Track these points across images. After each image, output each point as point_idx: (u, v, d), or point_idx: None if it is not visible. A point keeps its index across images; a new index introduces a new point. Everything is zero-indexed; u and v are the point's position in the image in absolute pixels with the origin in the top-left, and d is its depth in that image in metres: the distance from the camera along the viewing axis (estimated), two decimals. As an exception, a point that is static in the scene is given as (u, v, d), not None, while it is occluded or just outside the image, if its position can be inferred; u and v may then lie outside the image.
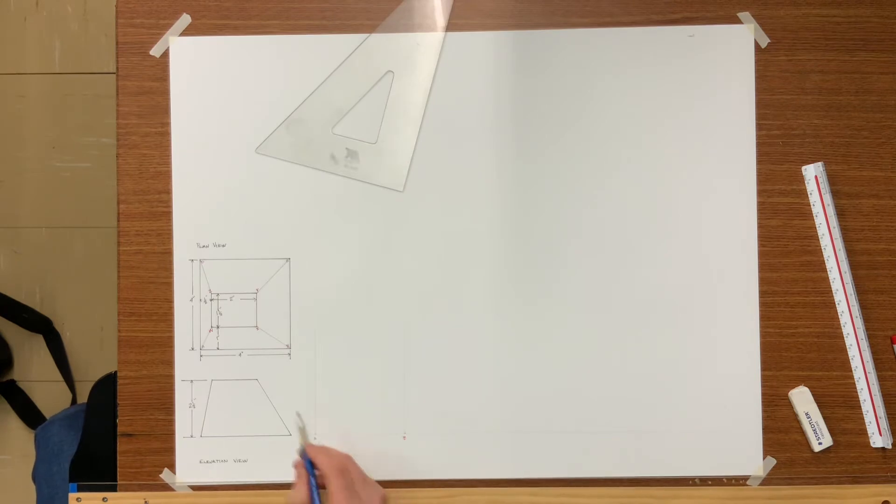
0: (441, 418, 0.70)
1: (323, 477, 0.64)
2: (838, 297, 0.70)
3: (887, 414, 0.70)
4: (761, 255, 0.70)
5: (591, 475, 0.70)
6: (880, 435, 0.69)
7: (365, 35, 0.71)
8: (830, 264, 0.70)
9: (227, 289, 0.71)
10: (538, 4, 0.71)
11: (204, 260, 0.71)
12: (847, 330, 0.70)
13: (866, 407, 0.69)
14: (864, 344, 0.69)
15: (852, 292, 0.69)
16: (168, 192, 0.71)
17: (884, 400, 0.70)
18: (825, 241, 0.70)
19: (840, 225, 0.70)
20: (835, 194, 0.70)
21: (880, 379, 0.70)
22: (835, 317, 0.70)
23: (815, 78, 0.70)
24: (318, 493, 0.64)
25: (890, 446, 0.70)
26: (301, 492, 0.64)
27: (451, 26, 0.71)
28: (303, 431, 0.69)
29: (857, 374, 0.69)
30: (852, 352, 0.70)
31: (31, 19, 1.25)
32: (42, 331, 1.24)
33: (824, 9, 0.70)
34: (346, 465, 0.65)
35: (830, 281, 0.70)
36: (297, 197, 0.71)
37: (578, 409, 0.70)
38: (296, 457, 0.67)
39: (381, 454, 0.70)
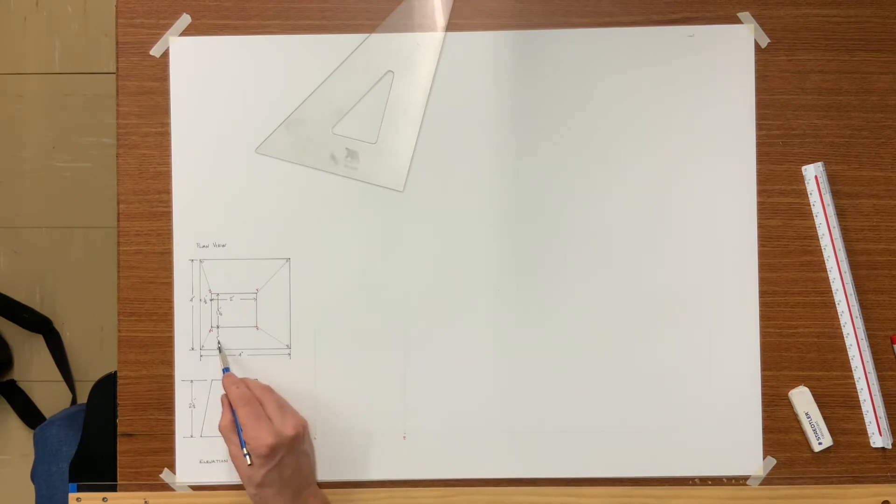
0: (441, 418, 0.70)
1: (233, 407, 0.65)
2: (838, 296, 0.70)
3: (887, 414, 0.70)
4: (761, 255, 0.70)
5: (591, 475, 0.70)
6: (880, 435, 0.69)
7: (365, 35, 0.71)
8: (830, 264, 0.70)
9: (227, 289, 0.71)
10: (538, 4, 0.71)
11: (204, 260, 0.71)
12: (847, 330, 0.70)
13: (866, 407, 0.69)
14: (864, 344, 0.69)
15: (852, 292, 0.69)
16: (168, 192, 0.71)
17: (884, 400, 0.70)
18: (825, 241, 0.70)
19: (840, 225, 0.70)
20: (835, 194, 0.70)
21: (880, 379, 0.70)
22: (835, 317, 0.70)
23: (815, 78, 0.70)
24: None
25: (890, 446, 0.70)
26: (225, 417, 0.66)
27: (451, 26, 0.71)
28: (223, 358, 0.69)
29: (857, 373, 0.69)
30: (852, 352, 0.70)
31: (31, 19, 1.25)
32: (42, 331, 1.24)
33: (824, 9, 0.70)
34: (260, 395, 0.66)
35: (830, 281, 0.70)
36: (297, 197, 0.71)
37: (578, 409, 0.70)
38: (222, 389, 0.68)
39: (381, 454, 0.70)
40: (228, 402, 0.66)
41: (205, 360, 0.71)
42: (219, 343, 0.70)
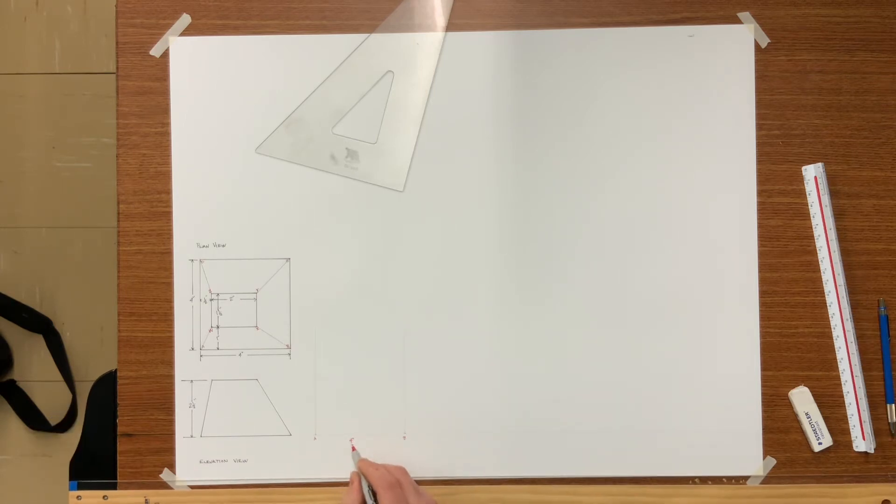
0: (441, 418, 0.70)
1: (375, 491, 0.64)
2: (830, 298, 0.69)
3: (871, 417, 0.69)
4: (761, 255, 0.70)
5: (592, 474, 0.70)
6: (864, 439, 0.69)
7: (365, 35, 0.71)
8: (825, 266, 0.69)
9: (227, 289, 0.71)
10: (538, 4, 0.71)
11: (204, 260, 0.71)
12: (837, 332, 0.69)
13: (851, 410, 0.69)
14: (854, 348, 0.69)
15: (844, 295, 0.69)
16: (168, 192, 0.71)
17: (868, 403, 0.69)
18: (821, 243, 0.70)
19: (837, 227, 0.70)
20: (835, 194, 0.70)
21: (867, 380, 0.69)
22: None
23: (815, 78, 0.70)
24: (374, 499, 0.64)
25: (872, 451, 0.69)
26: (351, 495, 0.65)
27: (451, 26, 0.71)
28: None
29: (845, 376, 0.69)
30: (840, 354, 0.69)
31: (31, 19, 1.25)
32: (42, 331, 1.24)
33: (824, 9, 0.70)
34: (399, 479, 0.65)
35: (823, 283, 0.70)
36: (297, 197, 0.71)
37: (579, 409, 0.70)
38: (352, 469, 0.69)
39: (381, 454, 0.70)
40: (358, 481, 0.66)
41: (205, 360, 0.71)
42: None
